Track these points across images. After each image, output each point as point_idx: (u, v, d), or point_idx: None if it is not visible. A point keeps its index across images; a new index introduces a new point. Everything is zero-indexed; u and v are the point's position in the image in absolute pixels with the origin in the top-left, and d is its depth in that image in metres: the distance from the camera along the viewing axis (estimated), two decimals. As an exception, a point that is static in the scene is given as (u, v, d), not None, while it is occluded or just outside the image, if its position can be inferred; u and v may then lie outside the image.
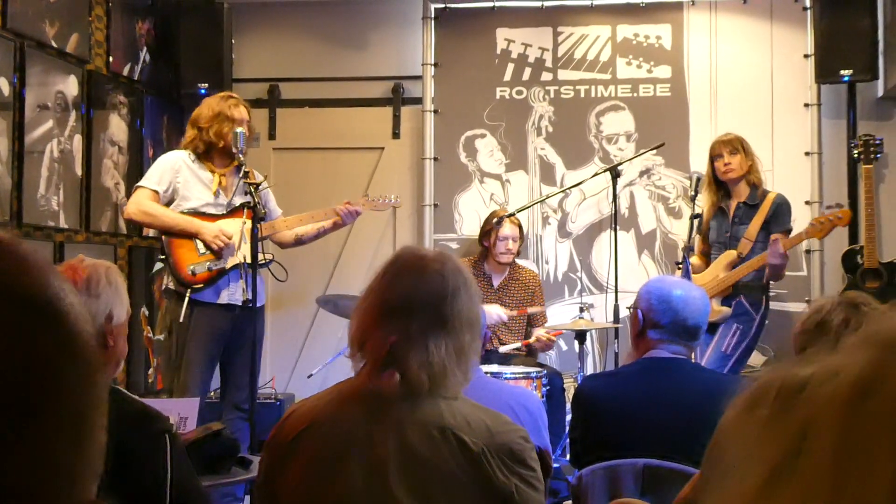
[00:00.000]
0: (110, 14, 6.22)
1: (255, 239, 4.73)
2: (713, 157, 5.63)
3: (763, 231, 5.46)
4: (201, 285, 4.86)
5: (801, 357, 0.70)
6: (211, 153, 5.02)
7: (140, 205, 4.90)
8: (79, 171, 5.85)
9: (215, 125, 4.96)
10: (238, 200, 4.98)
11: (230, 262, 4.92)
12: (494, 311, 5.76)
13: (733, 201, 5.58)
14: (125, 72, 6.43)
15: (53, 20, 5.54)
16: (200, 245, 4.89)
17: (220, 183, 5.00)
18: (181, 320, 4.78)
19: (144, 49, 6.70)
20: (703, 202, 5.69)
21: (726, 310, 5.43)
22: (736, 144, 5.57)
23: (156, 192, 4.91)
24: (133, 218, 5.01)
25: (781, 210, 5.48)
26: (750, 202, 5.53)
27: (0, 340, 0.67)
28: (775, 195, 5.53)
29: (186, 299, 4.80)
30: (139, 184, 5.01)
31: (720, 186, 5.64)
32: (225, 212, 4.99)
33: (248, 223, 4.78)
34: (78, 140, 5.83)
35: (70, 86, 5.75)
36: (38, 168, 5.43)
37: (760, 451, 0.66)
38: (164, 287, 5.04)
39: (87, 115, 5.91)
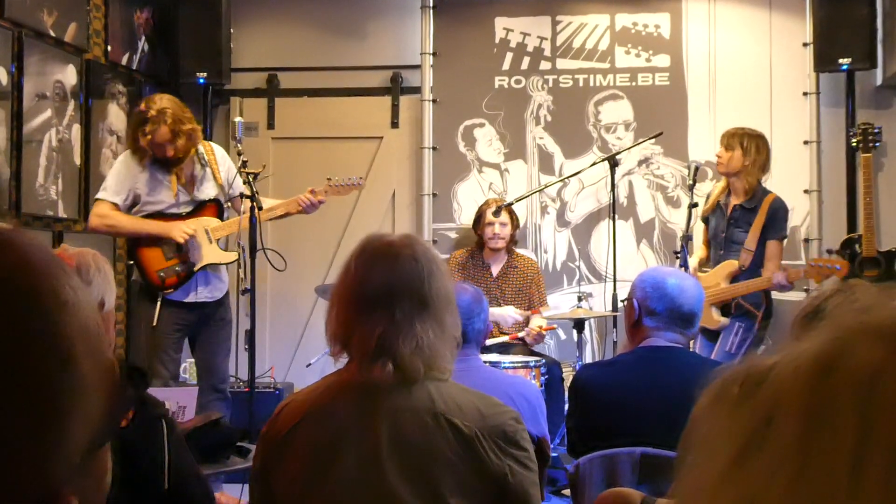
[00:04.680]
0: (108, 3, 6.22)
1: (254, 227, 4.76)
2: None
3: (761, 237, 5.39)
4: (171, 289, 4.99)
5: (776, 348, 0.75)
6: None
7: (102, 217, 4.94)
8: (77, 160, 5.85)
9: (142, 148, 4.89)
10: (203, 194, 5.03)
11: (197, 266, 5.03)
12: (509, 314, 5.79)
13: (732, 200, 5.52)
14: (124, 61, 6.42)
15: (52, 9, 5.53)
16: (167, 250, 4.98)
17: (178, 179, 4.98)
18: (154, 323, 4.92)
19: (143, 38, 6.70)
20: (711, 195, 5.67)
21: (724, 320, 5.39)
22: (732, 140, 5.45)
23: (115, 204, 4.92)
24: (98, 230, 5.06)
25: (778, 216, 5.41)
26: (747, 206, 5.44)
27: None
28: (772, 199, 5.43)
29: (159, 303, 4.95)
30: (98, 196, 5.01)
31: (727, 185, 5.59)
32: (190, 209, 5.04)
33: (212, 221, 5.00)
34: (76, 129, 5.83)
35: (68, 75, 5.74)
36: (37, 157, 5.43)
37: (730, 429, 0.69)
38: (134, 279, 5.14)
39: (85, 104, 5.92)
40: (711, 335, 5.44)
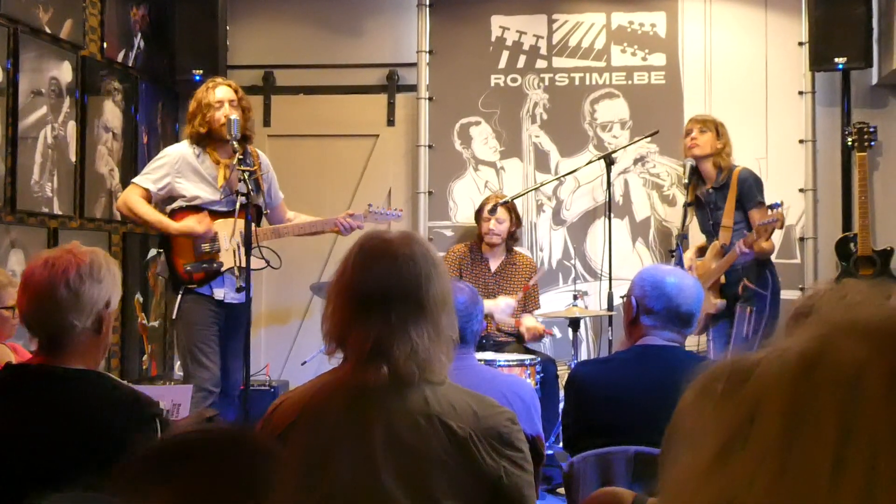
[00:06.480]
0: (104, 0, 6.20)
1: (249, 224, 4.73)
2: (685, 135, 5.68)
3: (739, 211, 5.46)
4: (194, 285, 4.94)
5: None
6: (210, 143, 5.02)
7: (127, 199, 5.00)
8: (73, 157, 5.84)
9: (199, 115, 4.99)
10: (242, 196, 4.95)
11: (226, 266, 4.97)
12: (503, 303, 5.78)
13: (706, 188, 5.61)
14: (119, 58, 6.41)
15: (47, 6, 5.52)
16: (199, 245, 4.95)
17: (224, 175, 5.00)
18: (174, 316, 4.93)
19: (139, 35, 6.68)
20: (689, 196, 5.73)
21: (721, 301, 5.43)
22: (709, 124, 5.61)
23: (147, 190, 4.97)
24: (120, 211, 5.24)
25: (747, 186, 5.45)
26: (717, 186, 5.54)
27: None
28: (739, 171, 5.53)
29: (180, 296, 4.92)
30: (134, 179, 5.09)
31: (699, 177, 5.65)
32: (232, 208, 4.95)
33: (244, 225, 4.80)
34: (72, 126, 5.82)
35: (64, 72, 5.73)
36: (32, 154, 5.42)
37: (714, 424, 0.69)
38: (160, 271, 5.14)
39: (81, 101, 5.90)
40: (714, 319, 5.46)
